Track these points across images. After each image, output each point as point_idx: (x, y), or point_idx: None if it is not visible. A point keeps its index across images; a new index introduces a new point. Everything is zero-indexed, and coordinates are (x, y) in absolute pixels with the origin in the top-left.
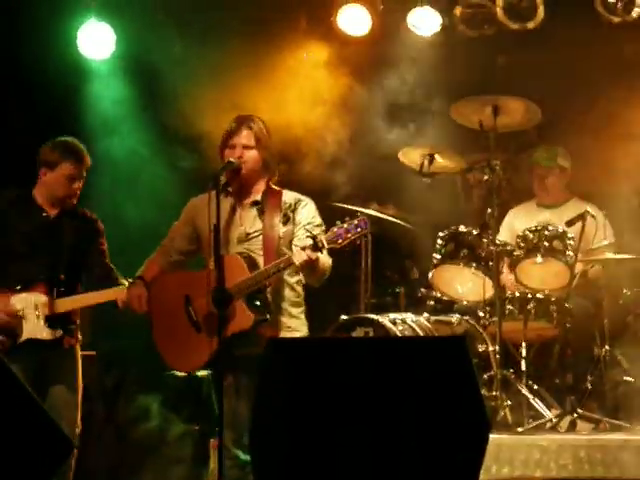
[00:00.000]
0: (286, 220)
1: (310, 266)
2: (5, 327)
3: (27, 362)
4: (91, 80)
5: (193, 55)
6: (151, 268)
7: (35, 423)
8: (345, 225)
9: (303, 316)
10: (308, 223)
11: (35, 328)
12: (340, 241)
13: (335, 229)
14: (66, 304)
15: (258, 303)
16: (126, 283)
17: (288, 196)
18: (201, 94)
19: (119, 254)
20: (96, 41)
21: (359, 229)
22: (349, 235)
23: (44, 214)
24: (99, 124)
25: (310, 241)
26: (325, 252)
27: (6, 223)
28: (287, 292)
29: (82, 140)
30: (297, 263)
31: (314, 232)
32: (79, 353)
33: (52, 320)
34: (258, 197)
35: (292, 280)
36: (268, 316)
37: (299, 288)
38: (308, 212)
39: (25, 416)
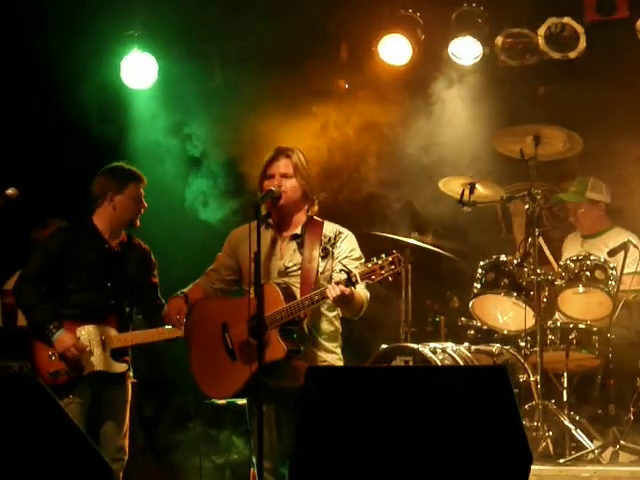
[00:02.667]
0: (325, 254)
1: (344, 300)
2: (72, 359)
3: (88, 393)
4: (133, 109)
5: (233, 85)
6: (195, 290)
7: (76, 450)
8: (380, 262)
9: (339, 350)
10: (346, 257)
11: (103, 361)
12: (374, 277)
13: (370, 265)
14: (127, 339)
15: (293, 335)
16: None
17: (328, 229)
18: (241, 122)
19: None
20: (139, 71)
21: (393, 266)
22: (383, 272)
23: (106, 245)
24: (141, 152)
25: (344, 275)
26: (362, 286)
27: (72, 255)
28: (325, 326)
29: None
30: (331, 297)
31: (350, 266)
32: (130, 382)
33: (117, 354)
34: (298, 230)
35: (331, 314)
36: (302, 348)
37: (337, 322)
38: (347, 245)
39: (66, 444)
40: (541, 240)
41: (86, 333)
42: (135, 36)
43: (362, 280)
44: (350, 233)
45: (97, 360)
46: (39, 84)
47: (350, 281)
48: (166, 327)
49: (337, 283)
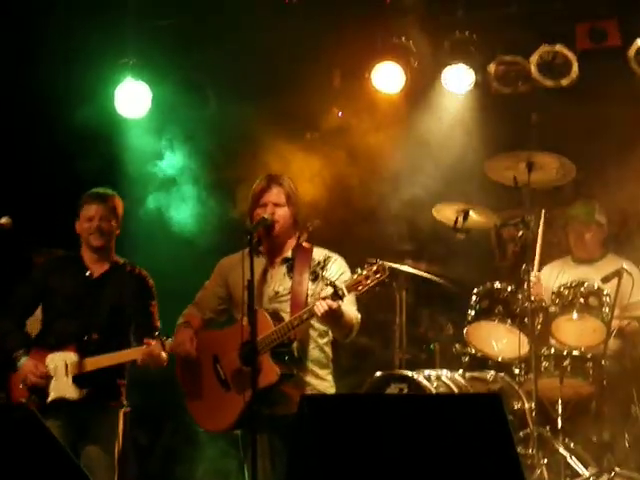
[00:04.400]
0: (315, 277)
1: (333, 317)
2: (36, 386)
3: (59, 421)
4: (127, 137)
5: (227, 112)
6: (194, 320)
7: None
8: (364, 272)
9: (330, 377)
10: (336, 280)
11: (62, 387)
12: (360, 288)
13: (355, 276)
14: (93, 363)
15: (284, 357)
16: (153, 342)
17: (317, 253)
18: (235, 150)
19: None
20: (133, 99)
21: (378, 274)
22: (368, 282)
23: (87, 273)
24: (133, 180)
25: (330, 290)
26: (352, 305)
27: (53, 284)
28: (316, 353)
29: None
30: (319, 313)
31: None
32: (121, 414)
33: (81, 379)
34: (289, 254)
35: (321, 341)
36: (295, 371)
37: (328, 349)
38: (337, 268)
39: (59, 472)
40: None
41: (51, 361)
42: (129, 64)
43: (349, 292)
44: (339, 257)
45: (58, 387)
46: (33, 113)
47: (337, 294)
48: (133, 348)
49: (323, 298)
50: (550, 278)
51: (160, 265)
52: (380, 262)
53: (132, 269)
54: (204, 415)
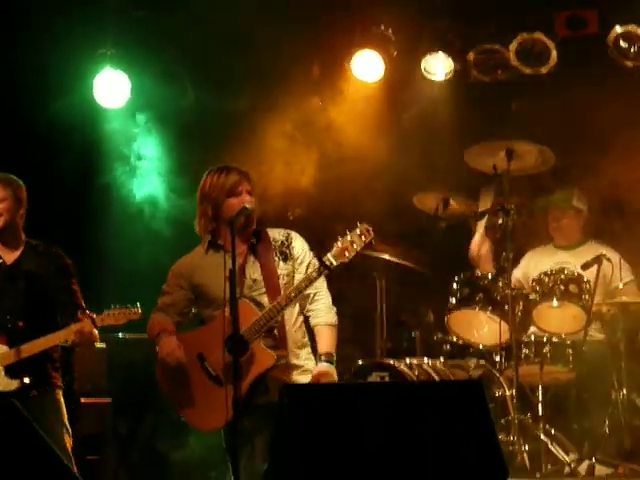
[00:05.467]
0: (285, 257)
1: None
2: None
3: None
4: (105, 126)
5: (207, 104)
6: (167, 326)
7: (48, 466)
8: (349, 238)
9: (312, 356)
10: (306, 254)
11: None
12: (347, 254)
13: (339, 244)
14: (25, 351)
15: (273, 340)
16: (83, 320)
17: (275, 233)
18: (215, 141)
19: (130, 287)
20: (112, 89)
21: (363, 237)
22: (355, 246)
23: (0, 261)
24: (114, 167)
25: (316, 264)
26: (327, 299)
27: None
28: (299, 334)
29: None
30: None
31: (313, 260)
32: (59, 397)
33: (13, 369)
34: (253, 240)
35: (300, 320)
36: (284, 353)
37: (304, 328)
38: (301, 243)
39: (39, 460)
40: None
41: None
42: (107, 54)
43: (337, 260)
44: (293, 232)
45: None
46: (10, 103)
47: (325, 265)
48: (62, 330)
49: (309, 279)
50: (530, 264)
51: (140, 248)
52: (363, 225)
53: (47, 249)
54: (202, 417)
